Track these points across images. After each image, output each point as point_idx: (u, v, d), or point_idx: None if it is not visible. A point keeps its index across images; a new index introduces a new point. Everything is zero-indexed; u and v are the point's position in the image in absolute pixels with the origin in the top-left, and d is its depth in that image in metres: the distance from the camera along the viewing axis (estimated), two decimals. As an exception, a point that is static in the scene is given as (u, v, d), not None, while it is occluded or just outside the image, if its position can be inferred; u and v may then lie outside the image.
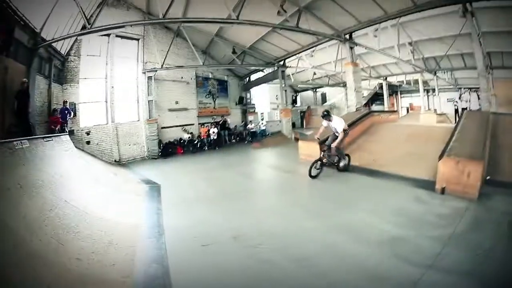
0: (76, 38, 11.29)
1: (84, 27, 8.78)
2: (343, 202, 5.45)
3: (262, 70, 19.50)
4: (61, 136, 7.13)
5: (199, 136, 16.73)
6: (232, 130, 19.55)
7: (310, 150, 9.01)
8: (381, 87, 26.00)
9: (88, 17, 8.65)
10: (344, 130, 7.01)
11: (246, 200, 6.20)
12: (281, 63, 17.21)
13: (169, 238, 4.29)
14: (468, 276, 2.80)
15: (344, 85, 17.12)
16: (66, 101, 10.79)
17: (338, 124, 6.99)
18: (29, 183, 4.08)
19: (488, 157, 5.86)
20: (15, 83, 7.32)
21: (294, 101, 27.08)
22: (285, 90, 17.43)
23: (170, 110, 16.23)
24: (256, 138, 18.67)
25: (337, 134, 7.01)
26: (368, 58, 19.42)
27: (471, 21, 9.71)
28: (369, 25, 11.58)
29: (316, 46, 14.76)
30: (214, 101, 19.10)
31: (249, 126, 19.73)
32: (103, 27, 8.94)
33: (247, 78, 21.27)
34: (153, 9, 13.46)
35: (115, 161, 13.04)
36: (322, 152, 7.26)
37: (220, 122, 17.94)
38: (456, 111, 16.79)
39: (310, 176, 6.95)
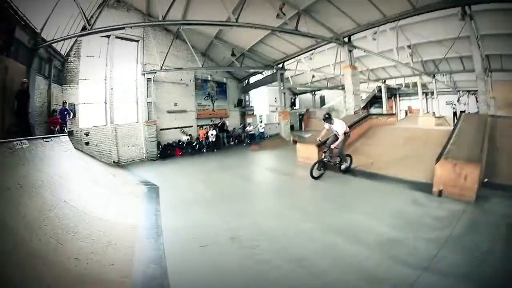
0: (76, 39, 11.32)
1: (84, 28, 8.79)
2: (340, 205, 5.47)
3: (261, 73, 19.56)
4: (61, 137, 7.12)
5: (197, 138, 16.73)
6: (231, 133, 19.51)
7: (308, 153, 9.07)
8: (379, 90, 26.01)
9: (88, 18, 8.66)
10: (345, 133, 7.08)
11: (244, 202, 6.22)
12: (280, 65, 17.22)
13: (167, 239, 4.31)
14: (465, 278, 2.82)
15: (343, 88, 17.10)
16: (66, 102, 10.76)
17: (339, 127, 7.05)
18: (28, 183, 4.09)
19: (486, 159, 5.91)
20: (15, 83, 7.32)
21: (292, 104, 27.10)
22: (284, 93, 17.40)
23: (169, 112, 16.23)
24: (255, 140, 18.64)
25: (338, 136, 7.07)
26: (367, 61, 19.45)
27: (469, 24, 9.72)
28: (368, 28, 11.62)
29: (315, 49, 14.79)
30: (213, 103, 19.12)
31: (248, 128, 19.71)
32: (103, 29, 8.96)
33: (246, 81, 21.26)
34: (153, 10, 13.49)
35: (114, 162, 13.03)
36: (323, 153, 7.30)
37: (219, 124, 17.91)
38: (455, 114, 16.89)
39: (312, 176, 7.00)
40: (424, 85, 23.85)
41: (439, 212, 4.51)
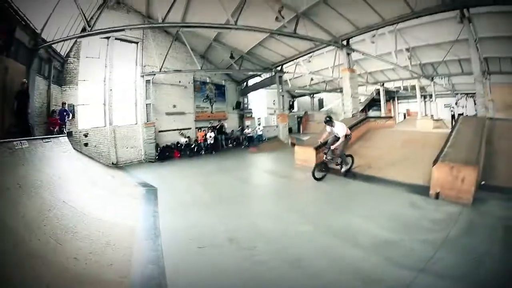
0: (76, 40, 11.35)
1: (84, 29, 8.81)
2: (338, 207, 5.51)
3: (259, 75, 19.60)
4: (60, 138, 7.13)
5: (196, 140, 16.73)
6: (229, 135, 19.53)
7: (306, 156, 9.09)
8: (378, 93, 26.04)
9: (88, 19, 8.69)
10: (346, 135, 7.14)
11: (242, 204, 6.23)
12: (279, 68, 17.28)
13: (165, 240, 4.33)
14: (461, 280, 2.84)
15: (341, 90, 17.13)
16: (65, 103, 10.77)
17: (340, 129, 7.11)
18: (28, 183, 4.10)
19: (483, 162, 5.94)
20: (15, 83, 7.32)
21: (291, 107, 27.13)
22: (282, 96, 17.46)
23: (168, 114, 16.25)
24: (253, 143, 18.68)
25: (338, 137, 7.13)
26: (366, 64, 19.56)
27: (468, 27, 9.75)
28: (366, 31, 11.69)
29: (313, 52, 14.88)
30: (212, 106, 19.14)
31: (246, 131, 19.78)
32: (103, 30, 8.97)
33: (245, 83, 21.32)
34: (152, 12, 13.53)
35: (112, 163, 13.01)
36: (324, 154, 7.34)
37: (217, 127, 17.91)
38: (453, 116, 16.93)
39: (314, 177, 7.07)
40: (422, 88, 23.96)
41: (436, 215, 4.54)
